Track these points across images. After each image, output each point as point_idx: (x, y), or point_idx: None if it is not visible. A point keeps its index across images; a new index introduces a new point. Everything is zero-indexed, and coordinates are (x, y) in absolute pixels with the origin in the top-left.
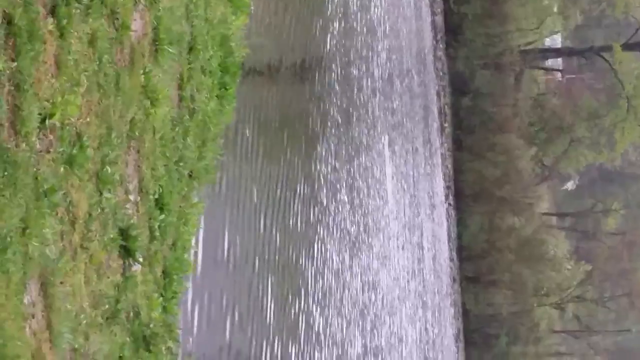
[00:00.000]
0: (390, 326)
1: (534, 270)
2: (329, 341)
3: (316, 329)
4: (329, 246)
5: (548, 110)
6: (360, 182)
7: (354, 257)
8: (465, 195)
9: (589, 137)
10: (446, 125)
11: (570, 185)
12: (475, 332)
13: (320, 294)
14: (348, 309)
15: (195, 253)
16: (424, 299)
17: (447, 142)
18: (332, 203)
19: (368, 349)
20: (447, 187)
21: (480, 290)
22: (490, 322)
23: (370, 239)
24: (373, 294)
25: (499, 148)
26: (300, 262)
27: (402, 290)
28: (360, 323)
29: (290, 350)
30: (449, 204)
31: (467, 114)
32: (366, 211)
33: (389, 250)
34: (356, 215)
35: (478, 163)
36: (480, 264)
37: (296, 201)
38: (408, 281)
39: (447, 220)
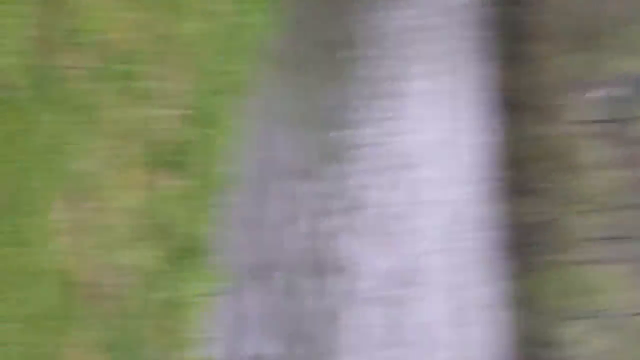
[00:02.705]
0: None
1: (568, 177)
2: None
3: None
4: (356, 165)
5: (578, 16)
6: (392, 110)
7: (379, 183)
8: (502, 104)
9: (622, 44)
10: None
11: (603, 92)
12: (511, 241)
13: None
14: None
15: (235, 167)
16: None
17: (482, 52)
18: (361, 128)
19: None
20: (483, 98)
21: (513, 200)
22: (526, 231)
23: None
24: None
25: (529, 56)
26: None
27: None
28: None
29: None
30: (486, 115)
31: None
32: (394, 138)
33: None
34: (386, 142)
35: (512, 72)
36: (514, 174)
37: (325, 120)
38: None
39: (484, 131)
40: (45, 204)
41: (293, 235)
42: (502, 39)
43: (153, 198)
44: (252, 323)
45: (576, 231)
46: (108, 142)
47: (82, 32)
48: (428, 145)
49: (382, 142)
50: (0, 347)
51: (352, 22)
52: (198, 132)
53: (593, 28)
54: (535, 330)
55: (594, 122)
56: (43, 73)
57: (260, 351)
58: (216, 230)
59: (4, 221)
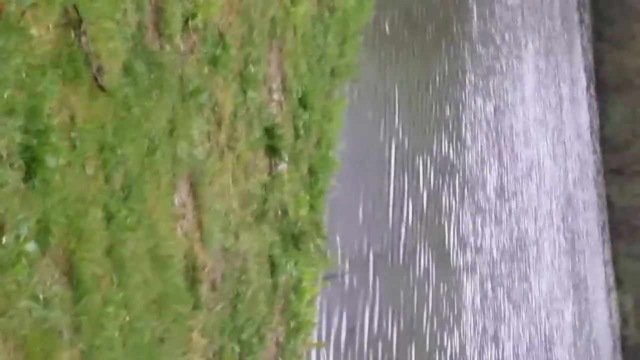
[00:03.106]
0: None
1: None
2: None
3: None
4: (468, 143)
5: None
6: (504, 85)
7: (493, 160)
8: (607, 86)
9: None
10: (585, 15)
11: None
12: (621, 223)
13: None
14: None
15: (340, 151)
16: (569, 190)
17: (586, 33)
18: (472, 105)
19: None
20: (589, 79)
21: (625, 182)
22: (637, 213)
23: (512, 148)
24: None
25: None
26: (440, 180)
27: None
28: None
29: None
30: (591, 95)
31: (606, 4)
32: (508, 128)
33: (532, 155)
34: (499, 131)
35: (619, 53)
36: (624, 155)
37: (435, 100)
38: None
39: (589, 113)
40: (169, 188)
41: (408, 215)
42: (612, 20)
43: (269, 183)
44: (368, 304)
45: None
46: (225, 126)
47: (197, 17)
48: (539, 123)
49: (493, 119)
50: (129, 333)
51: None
52: (309, 116)
53: None
54: None
55: None
56: (160, 58)
57: (375, 331)
58: (327, 215)
59: (128, 205)
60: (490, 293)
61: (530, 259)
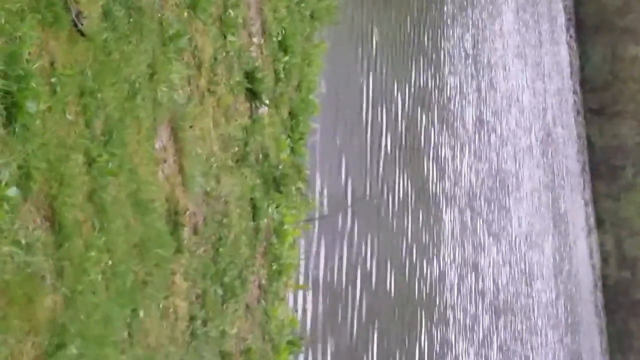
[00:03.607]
0: (515, 169)
1: None
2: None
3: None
4: (446, 74)
5: None
6: (484, 34)
7: (471, 92)
8: (587, 26)
9: None
10: None
11: None
12: (601, 163)
13: (440, 124)
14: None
15: (321, 94)
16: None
17: None
18: (451, 36)
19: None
20: (568, 20)
21: (605, 122)
22: (616, 153)
23: (491, 80)
24: (494, 134)
25: None
26: (419, 112)
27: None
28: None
29: (404, 182)
30: (570, 36)
31: None
32: (487, 61)
33: (511, 89)
34: (478, 63)
35: None
36: (604, 96)
37: (417, 48)
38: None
39: (569, 54)
40: (150, 132)
41: (386, 147)
42: None
43: (249, 126)
44: (347, 239)
45: None
46: (205, 71)
47: None
48: (518, 69)
49: (472, 51)
50: (112, 277)
51: None
52: (289, 60)
53: None
54: (632, 252)
55: None
56: (139, 3)
57: (355, 275)
58: (309, 158)
59: (109, 150)
60: (469, 224)
61: (510, 193)
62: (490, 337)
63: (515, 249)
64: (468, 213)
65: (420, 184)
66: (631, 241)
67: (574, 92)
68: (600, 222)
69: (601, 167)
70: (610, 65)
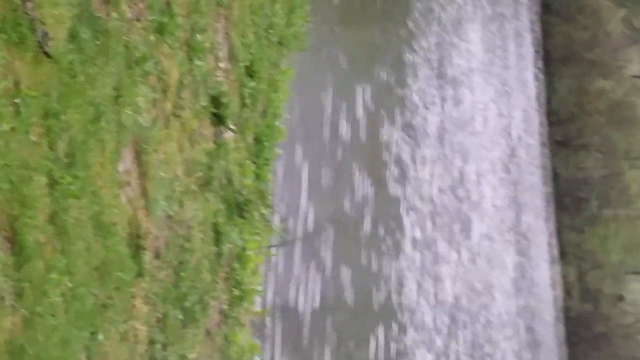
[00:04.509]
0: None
1: (624, 133)
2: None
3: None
4: (414, 102)
5: None
6: (450, 54)
7: (435, 94)
8: (554, 58)
9: None
10: None
11: None
12: (566, 195)
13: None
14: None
15: (287, 120)
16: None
17: (535, 5)
18: (420, 67)
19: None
20: (536, 52)
21: (570, 154)
22: (581, 185)
23: (455, 108)
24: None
25: (588, 10)
26: (386, 129)
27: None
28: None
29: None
30: (538, 69)
31: None
32: (454, 80)
33: (475, 120)
34: (443, 85)
35: (567, 26)
36: (570, 128)
37: (384, 68)
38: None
39: (536, 85)
40: (113, 155)
41: (349, 186)
42: None
43: (214, 151)
44: (312, 274)
45: (632, 186)
46: (171, 94)
47: None
48: (482, 95)
49: (434, 100)
50: (72, 299)
51: None
52: (255, 85)
53: None
54: (595, 284)
55: None
56: (106, 25)
57: (317, 302)
58: (273, 184)
59: (72, 172)
60: (429, 229)
61: (471, 203)
62: (449, 346)
63: (476, 259)
64: (428, 217)
65: (385, 208)
66: (594, 274)
67: (540, 124)
68: (563, 254)
69: (566, 199)
70: (576, 98)
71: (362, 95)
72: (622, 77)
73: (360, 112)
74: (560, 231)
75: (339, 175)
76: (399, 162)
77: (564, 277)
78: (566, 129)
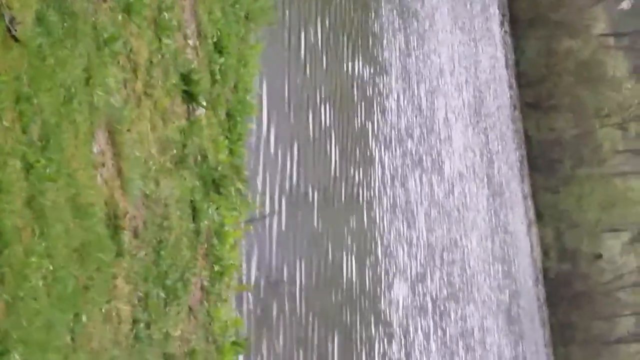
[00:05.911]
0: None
1: (594, 91)
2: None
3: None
4: (388, 78)
5: None
6: (418, 22)
7: (410, 92)
8: (521, 20)
9: None
10: None
11: (625, 5)
12: (539, 157)
13: (384, 129)
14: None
15: (259, 95)
16: (484, 126)
17: None
18: (388, 31)
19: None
20: (502, 15)
21: (542, 116)
22: (553, 146)
23: (425, 73)
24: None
25: None
26: (357, 98)
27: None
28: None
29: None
30: (505, 31)
31: None
32: (422, 49)
33: (446, 87)
34: (412, 50)
35: None
36: (540, 89)
37: (353, 44)
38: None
39: (504, 48)
40: (87, 136)
41: (327, 158)
42: None
43: (187, 128)
44: (287, 246)
45: (605, 144)
46: (141, 74)
47: None
48: (453, 62)
49: (409, 67)
50: (53, 282)
51: None
52: (225, 61)
53: None
54: (572, 244)
55: (623, 34)
56: (73, 7)
57: (293, 273)
58: (247, 158)
59: (46, 155)
60: (416, 224)
61: (452, 194)
62: (437, 327)
63: (465, 253)
64: (410, 205)
65: (364, 179)
66: (571, 233)
67: (510, 87)
68: (539, 216)
69: (539, 160)
70: (545, 59)
71: (330, 68)
72: (589, 36)
73: (334, 83)
74: (535, 193)
75: (315, 147)
76: (377, 136)
77: (542, 238)
78: (536, 90)
